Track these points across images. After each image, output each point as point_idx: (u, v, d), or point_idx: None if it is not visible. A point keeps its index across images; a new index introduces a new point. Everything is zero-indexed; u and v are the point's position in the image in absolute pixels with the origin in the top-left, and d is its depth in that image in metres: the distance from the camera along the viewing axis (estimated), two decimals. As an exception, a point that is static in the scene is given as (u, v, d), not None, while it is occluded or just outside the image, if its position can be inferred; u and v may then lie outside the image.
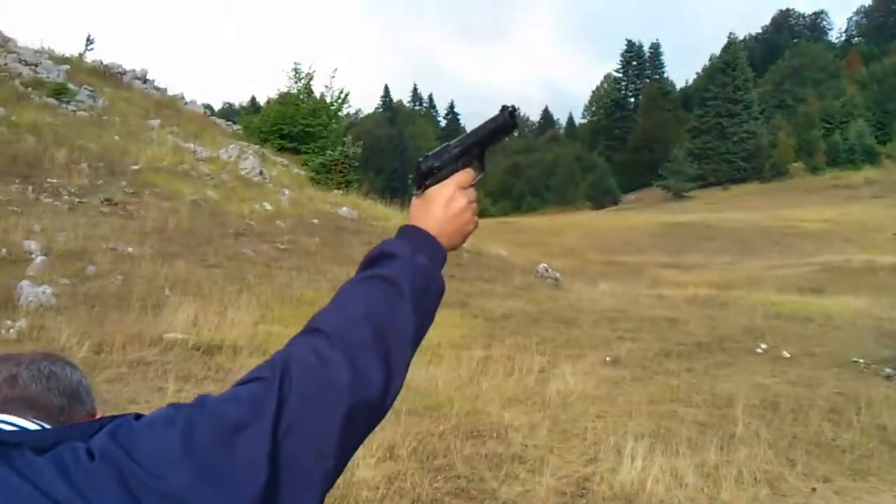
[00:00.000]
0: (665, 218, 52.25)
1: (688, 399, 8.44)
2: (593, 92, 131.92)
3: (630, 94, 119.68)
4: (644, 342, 11.68)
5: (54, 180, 16.48)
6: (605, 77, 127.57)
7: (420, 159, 1.32)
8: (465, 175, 1.33)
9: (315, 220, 19.21)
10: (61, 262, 12.26)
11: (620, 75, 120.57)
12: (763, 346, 11.69)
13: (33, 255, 12.23)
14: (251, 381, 1.05)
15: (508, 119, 1.34)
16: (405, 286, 1.17)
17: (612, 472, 5.86)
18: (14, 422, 1.02)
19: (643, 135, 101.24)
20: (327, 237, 17.95)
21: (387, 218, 22.14)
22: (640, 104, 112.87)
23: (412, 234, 1.28)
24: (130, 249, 13.61)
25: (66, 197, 15.92)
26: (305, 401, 1.02)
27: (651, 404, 8.09)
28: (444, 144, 1.34)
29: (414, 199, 1.33)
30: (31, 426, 1.03)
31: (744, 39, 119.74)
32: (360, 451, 5.77)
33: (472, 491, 5.46)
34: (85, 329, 9.03)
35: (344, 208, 21.17)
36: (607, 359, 10.41)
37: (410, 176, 1.35)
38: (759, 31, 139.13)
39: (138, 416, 1.01)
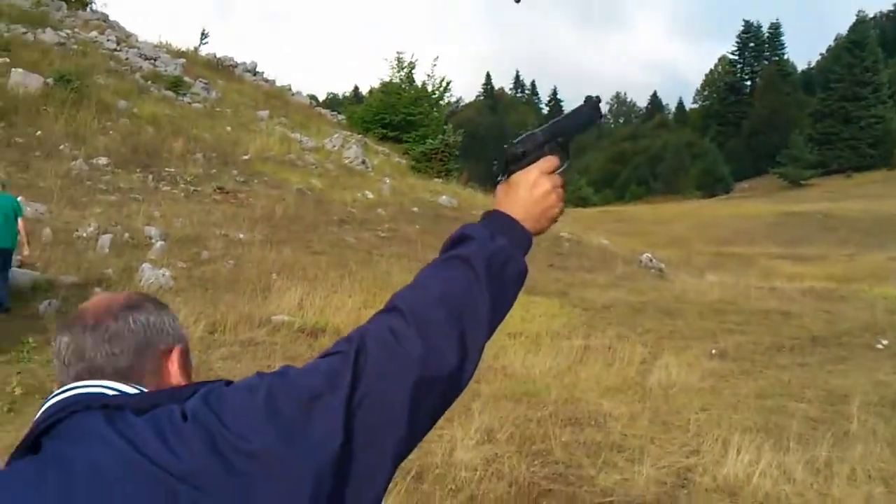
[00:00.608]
0: (781, 207, 50.22)
1: (799, 394, 8.11)
2: (706, 75, 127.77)
3: (746, 76, 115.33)
4: (753, 335, 11.29)
5: (172, 169, 17.24)
6: (719, 60, 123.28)
7: (506, 145, 1.32)
8: (549, 161, 1.33)
9: (415, 209, 19.41)
10: (178, 246, 12.83)
11: (736, 57, 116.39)
12: (884, 342, 11.10)
13: (153, 240, 12.85)
14: (331, 354, 1.10)
15: (593, 110, 1.36)
16: (481, 268, 1.18)
17: (715, 464, 5.70)
18: (116, 387, 1.08)
19: (759, 119, 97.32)
20: (427, 225, 18.11)
21: (486, 206, 22.02)
22: (756, 87, 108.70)
23: (493, 218, 1.29)
24: (241, 235, 14.10)
25: (183, 185, 16.63)
26: (379, 374, 1.06)
27: (759, 398, 7.82)
28: (531, 132, 1.34)
29: (499, 185, 1.34)
30: (132, 390, 1.08)
31: (873, 17, 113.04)
32: (459, 433, 5.82)
33: (570, 477, 5.42)
34: (200, 309, 9.42)
35: (444, 197, 21.29)
36: (713, 351, 10.11)
37: (495, 161, 1.37)
38: (891, 8, 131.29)
39: (228, 383, 1.08)
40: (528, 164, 1.31)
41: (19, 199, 10.61)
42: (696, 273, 19.64)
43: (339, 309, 10.34)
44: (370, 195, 19.35)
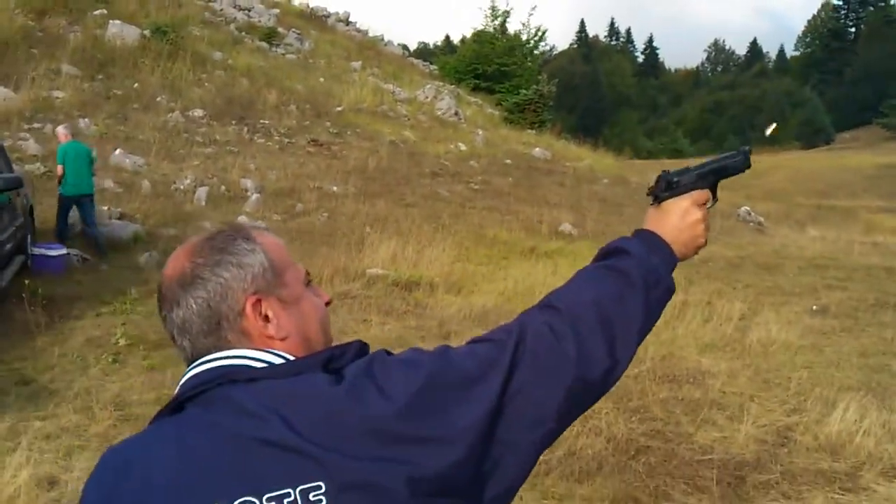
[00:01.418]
0: (884, 159, 47.88)
1: (905, 353, 7.84)
2: (808, 22, 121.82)
3: (851, 23, 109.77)
4: (856, 292, 10.91)
5: (266, 121, 17.59)
6: (822, 6, 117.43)
7: (662, 173, 1.42)
8: (702, 194, 1.42)
9: (508, 161, 19.32)
10: (273, 199, 13.16)
11: (840, 3, 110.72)
12: None
13: (249, 193, 13.21)
14: (487, 341, 1.16)
15: (744, 158, 1.50)
16: (637, 281, 1.24)
17: (817, 423, 5.59)
18: (261, 357, 1.12)
19: (864, 68, 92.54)
20: (520, 178, 18.02)
21: (579, 158, 21.88)
22: (861, 34, 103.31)
23: (649, 237, 1.36)
24: (335, 188, 14.35)
25: (277, 137, 16.97)
26: (536, 369, 1.11)
27: (862, 357, 7.59)
28: (686, 167, 1.45)
29: (650, 209, 1.43)
30: (277, 360, 1.12)
31: None
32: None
33: (668, 434, 5.41)
34: (300, 261, 9.67)
35: (537, 149, 21.11)
36: (814, 308, 9.83)
37: (650, 187, 1.44)
38: None
39: (363, 346, 1.16)
40: (680, 195, 1.39)
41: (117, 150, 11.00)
42: (796, 227, 19.03)
43: (432, 262, 10.45)
44: (463, 147, 19.34)
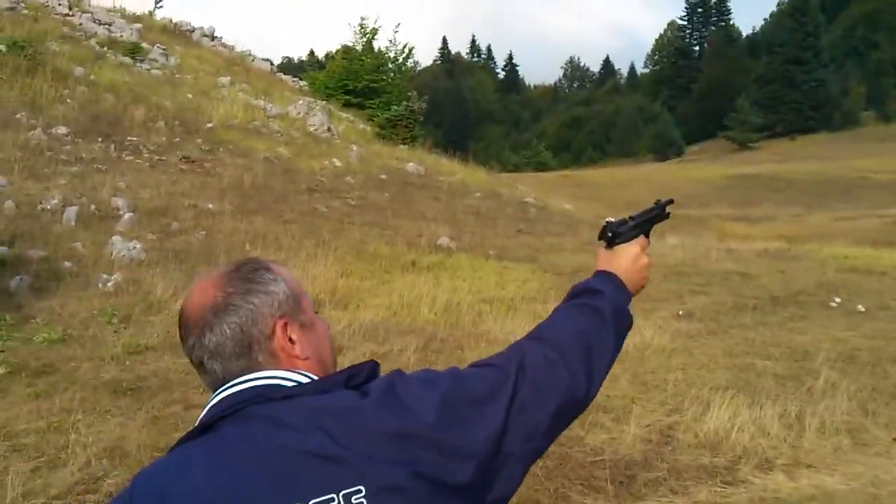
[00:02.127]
0: (731, 170, 51.26)
1: (765, 352, 8.51)
2: (656, 40, 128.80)
3: (695, 41, 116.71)
4: (716, 296, 11.71)
5: (134, 138, 17.01)
6: (668, 25, 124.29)
7: (606, 222, 1.73)
8: (644, 241, 1.74)
9: (383, 176, 19.48)
10: (147, 218, 12.75)
11: (685, 23, 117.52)
12: (837, 299, 11.60)
13: (121, 212, 12.75)
14: (491, 366, 1.37)
15: (664, 209, 1.88)
16: (609, 317, 1.49)
17: (695, 421, 6.03)
18: (290, 377, 1.26)
19: (708, 84, 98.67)
20: (396, 192, 18.21)
21: (452, 172, 22.31)
22: (705, 52, 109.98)
23: (611, 278, 1.61)
24: (210, 206, 14.07)
25: (147, 155, 16.45)
26: (534, 392, 1.32)
27: (729, 357, 8.20)
28: (624, 218, 1.75)
29: (602, 251, 1.70)
30: (304, 379, 1.26)
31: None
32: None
33: (561, 438, 5.68)
34: (178, 283, 9.46)
35: (410, 164, 21.37)
36: (680, 312, 10.49)
37: (599, 234, 1.73)
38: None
39: (375, 364, 1.33)
40: (625, 241, 1.67)
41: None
42: (657, 236, 20.05)
43: (316, 278, 10.45)
44: (338, 163, 19.36)
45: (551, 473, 5.11)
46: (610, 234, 1.68)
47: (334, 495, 1.12)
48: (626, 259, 1.65)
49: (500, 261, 13.54)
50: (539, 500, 4.77)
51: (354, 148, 21.23)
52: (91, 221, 12.14)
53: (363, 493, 1.12)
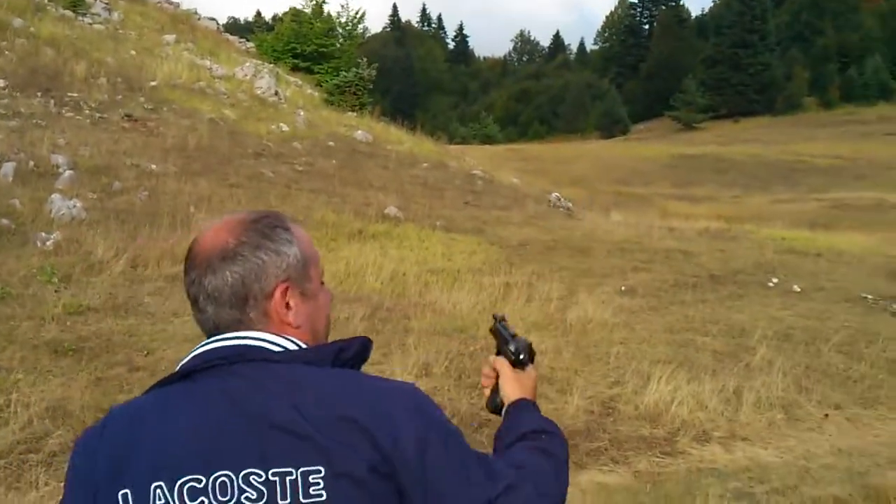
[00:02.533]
0: (675, 149, 52.06)
1: (704, 329, 8.72)
2: (607, 17, 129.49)
3: (645, 20, 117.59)
4: (658, 273, 11.93)
5: (75, 94, 16.52)
6: (619, 3, 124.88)
7: (512, 348, 1.66)
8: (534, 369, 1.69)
9: (331, 143, 19.27)
10: (88, 176, 12.43)
11: (636, 1, 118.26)
12: (774, 279, 11.93)
13: (60, 169, 12.40)
14: (491, 464, 1.34)
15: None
16: (561, 453, 1.50)
17: (636, 394, 6.18)
18: (278, 342, 1.25)
19: (656, 63, 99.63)
20: (344, 160, 18.05)
21: (400, 142, 22.17)
22: (654, 31, 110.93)
23: (536, 411, 1.63)
24: (153, 166, 13.76)
25: (87, 111, 15.99)
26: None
27: (669, 333, 8.39)
28: (516, 337, 1.69)
29: (515, 371, 1.65)
30: (291, 346, 1.25)
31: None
32: (398, 368, 6.08)
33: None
34: (119, 243, 9.27)
35: (359, 131, 21.18)
36: (623, 288, 10.67)
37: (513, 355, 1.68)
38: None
39: (368, 340, 1.38)
40: (525, 365, 1.65)
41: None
42: (601, 212, 20.34)
43: (261, 244, 10.35)
44: (285, 127, 19.08)
45: (490, 441, 5.18)
46: (522, 357, 1.64)
47: (293, 469, 1.12)
48: (529, 385, 1.65)
49: (447, 232, 13.56)
50: (483, 468, 4.83)
51: (302, 113, 20.94)
52: (29, 178, 11.78)
53: (322, 475, 1.12)
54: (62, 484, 3.70)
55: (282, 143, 17.88)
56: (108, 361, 5.95)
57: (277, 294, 1.25)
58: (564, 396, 6.05)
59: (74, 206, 10.69)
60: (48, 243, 9.23)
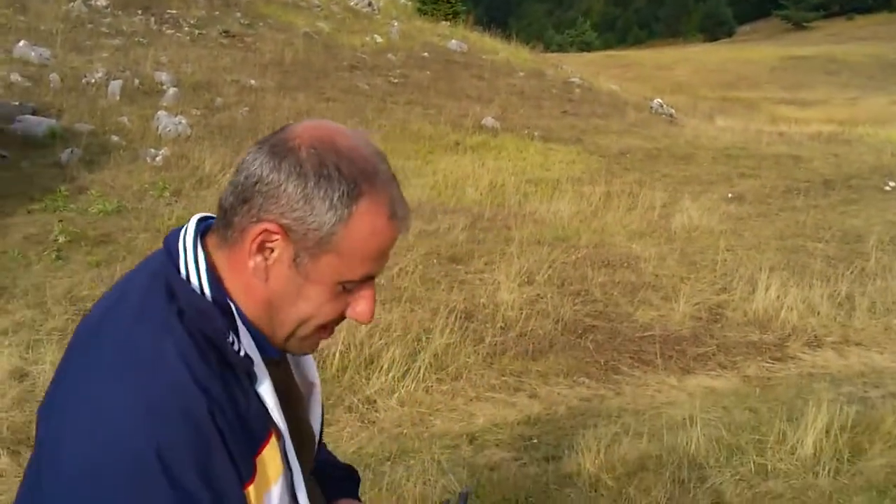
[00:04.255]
0: (784, 51, 49.35)
1: (815, 234, 8.40)
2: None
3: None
4: (767, 179, 11.49)
5: (173, 11, 16.77)
6: None
7: None
8: None
9: (425, 54, 19.07)
10: (191, 93, 12.71)
11: None
12: (892, 183, 11.33)
13: (164, 87, 12.70)
14: None
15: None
16: None
17: (745, 300, 6.02)
18: (197, 267, 1.00)
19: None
20: (439, 71, 17.86)
21: (495, 51, 21.74)
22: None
23: None
24: (252, 82, 13.94)
25: (187, 28, 16.24)
26: None
27: (779, 239, 8.11)
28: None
29: None
30: (196, 281, 1.00)
31: None
32: (501, 276, 6.09)
33: (610, 314, 5.74)
34: (225, 158, 9.50)
35: (453, 41, 20.86)
36: (729, 195, 10.33)
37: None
38: None
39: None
40: None
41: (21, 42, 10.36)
42: (705, 118, 19.62)
43: (360, 157, 10.41)
44: (379, 39, 18.95)
45: (601, 347, 5.17)
46: None
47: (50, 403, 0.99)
48: None
49: (545, 142, 13.35)
50: (589, 372, 4.85)
51: (396, 24, 20.73)
52: (136, 96, 12.13)
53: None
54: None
55: (376, 55, 17.80)
56: (219, 270, 6.17)
57: (267, 226, 0.95)
58: (670, 303, 5.95)
59: (180, 123, 10.98)
60: (157, 159, 9.54)
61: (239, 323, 0.98)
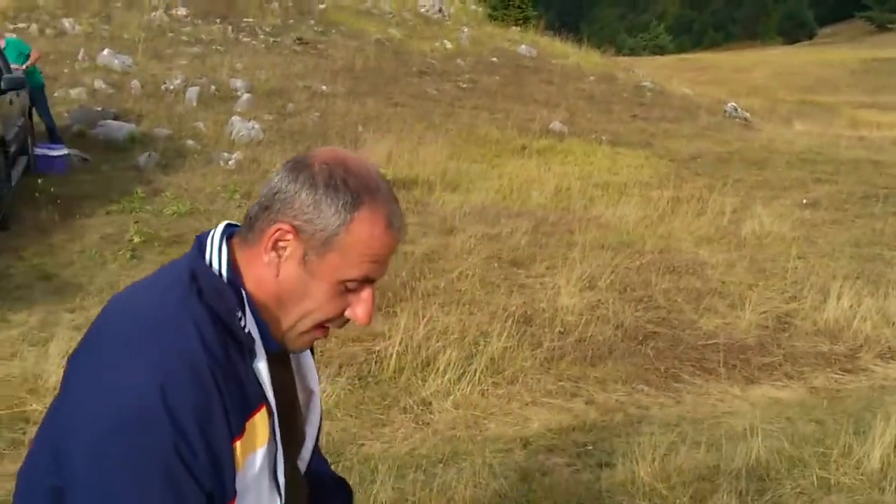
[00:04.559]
0: (867, 53, 47.70)
1: (893, 243, 8.09)
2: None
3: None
4: (844, 185, 11.12)
5: (250, 20, 17.23)
6: None
7: None
8: None
9: (494, 59, 19.10)
10: (264, 99, 13.02)
11: None
12: (979, 191, 10.84)
13: (239, 93, 13.05)
14: None
15: None
16: None
17: (815, 309, 5.84)
18: (220, 256, 1.13)
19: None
20: (507, 76, 17.87)
21: (565, 55, 21.64)
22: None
23: None
24: (324, 88, 14.20)
25: (262, 36, 16.65)
26: None
27: (854, 247, 7.84)
28: None
29: None
30: (220, 268, 1.12)
31: None
32: (562, 281, 6.05)
33: (673, 321, 5.64)
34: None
35: (523, 46, 20.85)
36: (804, 201, 10.04)
37: None
38: None
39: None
40: None
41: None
42: (782, 122, 19.12)
43: (427, 161, 10.49)
44: (449, 45, 19.08)
45: (661, 354, 5.09)
46: None
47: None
48: None
49: (613, 146, 13.21)
50: (649, 379, 4.77)
51: (465, 30, 20.82)
52: (212, 101, 12.50)
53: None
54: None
55: (446, 61, 17.91)
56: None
57: (281, 226, 1.08)
58: (736, 311, 5.81)
59: (253, 128, 11.26)
60: (230, 163, 9.80)
61: (247, 308, 1.10)
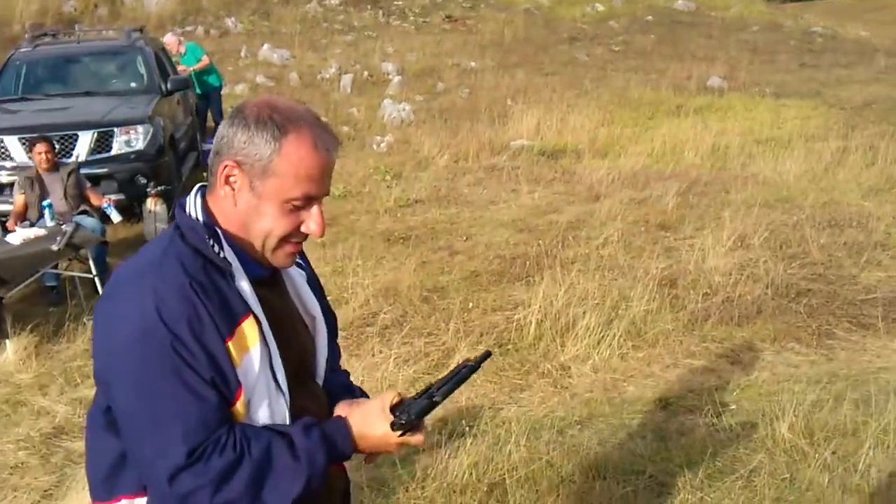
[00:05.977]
0: None
1: None
2: None
3: None
4: None
5: (400, 2, 17.62)
6: None
7: (403, 403, 1.42)
8: (416, 439, 1.44)
9: (649, 17, 18.53)
10: (414, 80, 13.33)
11: None
12: None
13: (390, 76, 13.44)
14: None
15: (476, 367, 1.46)
16: (283, 478, 1.33)
17: None
18: (195, 202, 1.42)
19: None
20: (663, 34, 17.29)
21: (726, 7, 20.64)
22: None
23: (335, 447, 1.40)
24: (473, 63, 14.34)
25: (412, 18, 17.01)
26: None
27: None
28: (429, 391, 1.42)
29: (379, 415, 1.42)
30: (194, 211, 1.41)
31: None
32: (709, 241, 5.88)
33: (830, 276, 5.36)
34: (443, 140, 9.87)
35: (680, 1, 20.07)
36: None
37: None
38: None
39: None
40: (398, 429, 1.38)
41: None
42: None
43: (576, 129, 10.39)
44: (600, 7, 18.70)
45: (815, 311, 4.86)
46: (402, 422, 1.38)
47: None
48: (370, 444, 1.43)
49: (777, 98, 12.52)
50: (799, 337, 4.58)
51: (619, -10, 20.31)
52: (365, 87, 12.95)
53: None
54: (392, 352, 4.11)
55: (597, 25, 17.58)
56: (431, 247, 6.48)
57: (227, 162, 1.33)
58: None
59: (403, 110, 11.57)
60: (382, 145, 10.14)
61: (223, 240, 1.34)
